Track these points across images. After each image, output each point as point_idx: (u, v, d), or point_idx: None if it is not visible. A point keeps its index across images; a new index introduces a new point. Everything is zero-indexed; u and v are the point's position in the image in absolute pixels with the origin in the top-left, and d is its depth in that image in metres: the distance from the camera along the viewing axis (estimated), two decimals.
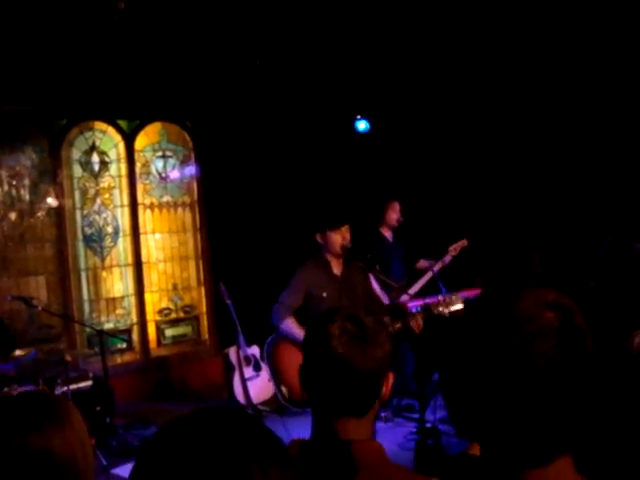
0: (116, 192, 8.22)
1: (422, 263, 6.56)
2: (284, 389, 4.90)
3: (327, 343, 1.59)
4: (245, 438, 0.88)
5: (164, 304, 8.51)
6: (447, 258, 6.67)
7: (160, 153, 8.51)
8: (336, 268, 5.01)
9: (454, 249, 6.71)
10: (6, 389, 5.20)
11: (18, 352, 5.54)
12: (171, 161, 8.57)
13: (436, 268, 6.38)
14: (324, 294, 4.88)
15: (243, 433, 0.89)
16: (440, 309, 4.88)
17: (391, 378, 1.66)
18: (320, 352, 1.61)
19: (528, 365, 1.03)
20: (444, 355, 1.74)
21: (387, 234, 7.00)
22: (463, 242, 6.79)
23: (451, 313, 4.84)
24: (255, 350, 6.59)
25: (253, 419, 0.92)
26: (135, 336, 8.27)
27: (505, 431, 1.05)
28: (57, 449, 1.37)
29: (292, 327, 4.84)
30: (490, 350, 1.06)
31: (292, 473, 0.89)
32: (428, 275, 6.46)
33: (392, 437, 5.66)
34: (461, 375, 1.10)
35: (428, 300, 5.98)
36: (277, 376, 5.00)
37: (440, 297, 5.50)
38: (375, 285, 5.68)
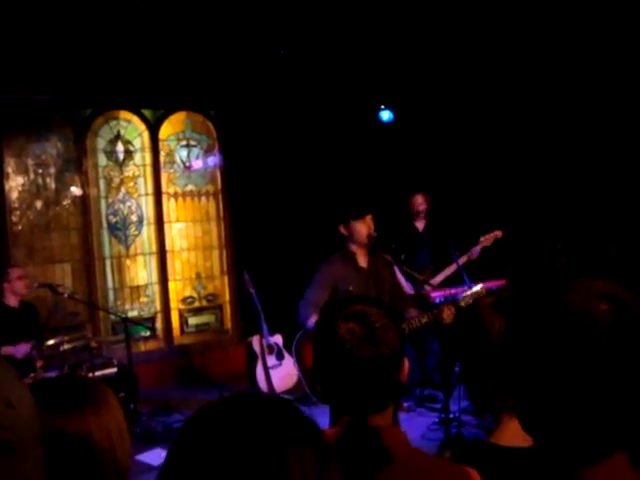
0: (140, 181, 8.27)
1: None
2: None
3: (338, 347, 1.56)
4: (280, 422, 0.88)
5: (187, 293, 8.55)
6: (477, 249, 6.35)
7: (184, 142, 8.54)
8: (362, 260, 4.91)
9: (486, 239, 6.37)
10: (32, 375, 5.27)
11: (49, 342, 5.61)
12: (195, 150, 8.60)
13: (462, 260, 6.11)
14: (350, 287, 4.75)
15: (278, 417, 0.88)
16: (468, 300, 4.77)
17: (406, 364, 1.62)
18: (332, 355, 1.58)
19: (581, 361, 0.99)
20: (473, 347, 1.73)
21: (418, 224, 6.93)
22: (496, 233, 6.40)
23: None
24: (278, 339, 6.61)
25: (288, 404, 0.91)
26: (159, 324, 8.33)
27: (560, 428, 1.02)
28: (95, 431, 1.37)
29: None
30: (542, 347, 1.03)
31: (328, 457, 0.89)
32: (453, 266, 6.24)
33: (415, 427, 5.64)
34: (516, 370, 1.07)
35: (452, 291, 5.91)
36: (306, 373, 4.95)
37: (464, 288, 5.43)
38: (400, 276, 5.63)
